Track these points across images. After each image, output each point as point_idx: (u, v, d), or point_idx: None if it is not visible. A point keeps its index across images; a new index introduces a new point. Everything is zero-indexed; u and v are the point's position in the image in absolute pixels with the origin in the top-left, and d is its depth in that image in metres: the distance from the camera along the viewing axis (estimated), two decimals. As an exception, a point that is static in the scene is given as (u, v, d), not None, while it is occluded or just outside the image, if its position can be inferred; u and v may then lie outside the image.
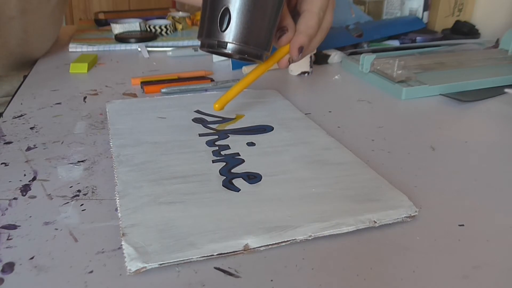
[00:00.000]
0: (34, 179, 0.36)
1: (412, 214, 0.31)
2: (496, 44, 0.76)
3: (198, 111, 0.49)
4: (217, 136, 0.43)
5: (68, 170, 0.38)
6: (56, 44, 0.81)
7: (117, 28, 0.86)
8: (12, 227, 0.30)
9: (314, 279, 0.26)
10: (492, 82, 0.59)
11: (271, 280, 0.26)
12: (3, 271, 0.26)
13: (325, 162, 0.38)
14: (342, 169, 0.37)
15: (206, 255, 0.27)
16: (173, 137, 0.43)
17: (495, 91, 0.57)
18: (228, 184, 0.35)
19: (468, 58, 0.69)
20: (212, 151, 0.40)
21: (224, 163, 0.38)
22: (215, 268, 0.27)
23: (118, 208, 0.32)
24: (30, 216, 0.31)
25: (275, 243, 0.29)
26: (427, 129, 0.47)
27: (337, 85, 0.62)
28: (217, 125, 0.46)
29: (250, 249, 0.28)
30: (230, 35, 0.40)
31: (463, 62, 0.67)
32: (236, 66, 0.68)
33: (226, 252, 0.28)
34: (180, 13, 0.98)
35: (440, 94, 0.57)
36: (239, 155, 0.39)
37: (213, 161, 0.38)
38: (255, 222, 0.30)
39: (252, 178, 0.36)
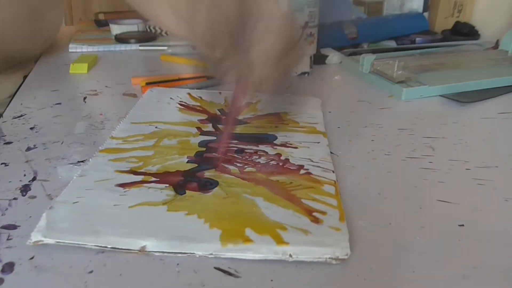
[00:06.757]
0: (34, 179, 0.36)
1: (340, 257, 0.27)
2: (496, 45, 0.76)
3: (221, 110, 0.50)
4: (215, 137, 0.43)
5: (68, 170, 0.38)
6: (56, 45, 0.81)
7: (116, 29, 0.86)
8: (12, 227, 0.30)
9: (314, 279, 0.26)
10: (492, 83, 0.59)
11: (271, 280, 0.26)
12: (3, 271, 0.26)
13: (295, 182, 0.35)
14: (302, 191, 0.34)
15: (99, 244, 0.28)
16: (173, 128, 0.45)
17: (495, 92, 0.57)
18: (179, 187, 0.34)
19: (468, 59, 0.69)
20: (196, 152, 0.40)
21: (196, 165, 0.38)
22: (215, 268, 0.27)
23: (69, 184, 0.34)
24: (30, 216, 0.31)
25: (172, 252, 0.28)
26: (427, 130, 0.47)
27: (337, 85, 0.62)
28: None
29: (145, 251, 0.28)
30: None
31: (463, 63, 0.67)
32: None
33: (119, 248, 0.28)
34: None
35: (440, 95, 0.57)
36: (217, 161, 0.38)
37: (188, 161, 0.38)
38: (168, 227, 0.29)
39: (208, 185, 0.35)
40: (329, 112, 0.52)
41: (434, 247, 0.29)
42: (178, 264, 0.27)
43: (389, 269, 0.27)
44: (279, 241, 0.28)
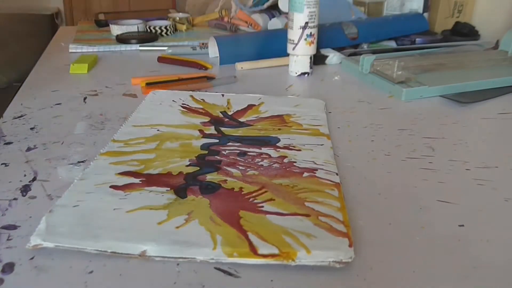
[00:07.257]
0: (34, 179, 0.36)
1: (344, 260, 0.27)
2: (496, 45, 0.76)
3: (223, 112, 0.50)
4: (217, 140, 0.43)
5: (68, 171, 0.38)
6: (56, 45, 0.81)
7: (117, 29, 0.86)
8: (12, 227, 0.30)
9: (314, 279, 0.26)
10: (492, 83, 0.59)
11: (271, 280, 0.26)
12: (3, 271, 0.26)
13: (298, 188, 0.35)
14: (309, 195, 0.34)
15: (99, 249, 0.28)
16: (175, 131, 0.44)
17: (495, 92, 0.57)
18: (180, 190, 0.34)
19: (468, 59, 0.69)
20: (197, 154, 0.40)
21: (198, 168, 0.37)
22: (215, 268, 0.27)
23: (70, 188, 0.34)
24: (30, 217, 0.31)
25: (172, 257, 0.27)
26: (427, 130, 0.47)
27: (337, 86, 0.62)
28: (229, 129, 0.46)
29: (146, 256, 0.28)
30: None
31: (463, 63, 0.67)
32: (223, 61, 0.70)
33: (120, 252, 0.28)
34: (180, 14, 0.98)
35: (440, 96, 0.57)
36: (219, 164, 0.38)
37: (189, 164, 0.38)
38: (169, 231, 0.29)
39: (210, 188, 0.34)
40: (329, 112, 0.52)
41: (434, 247, 0.29)
42: (178, 264, 0.27)
43: (389, 269, 0.27)
44: (284, 248, 0.28)
